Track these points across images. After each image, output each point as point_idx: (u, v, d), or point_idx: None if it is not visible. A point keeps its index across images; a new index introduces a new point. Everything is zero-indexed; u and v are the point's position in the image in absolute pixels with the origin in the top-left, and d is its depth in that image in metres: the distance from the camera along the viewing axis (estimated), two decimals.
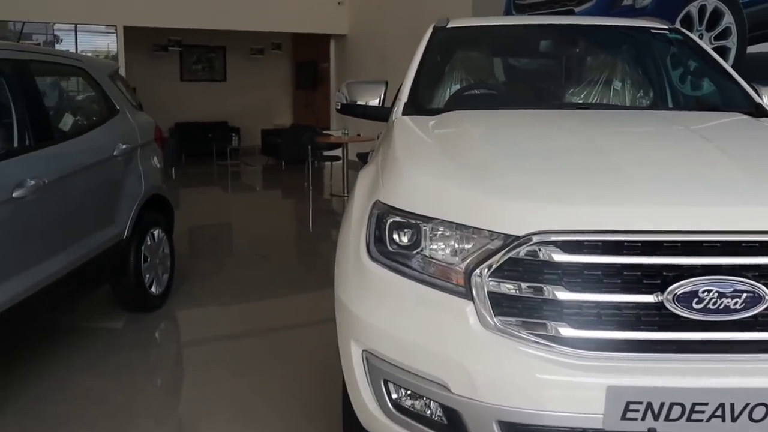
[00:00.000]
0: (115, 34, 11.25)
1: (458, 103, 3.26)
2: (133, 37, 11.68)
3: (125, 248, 4.18)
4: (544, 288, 1.67)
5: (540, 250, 1.67)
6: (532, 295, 1.69)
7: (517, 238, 1.68)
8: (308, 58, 14.89)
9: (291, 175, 11.97)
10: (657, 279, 1.64)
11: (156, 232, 4.58)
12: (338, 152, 10.01)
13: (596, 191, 1.75)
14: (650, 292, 1.64)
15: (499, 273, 1.71)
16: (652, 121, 2.67)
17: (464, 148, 2.15)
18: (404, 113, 2.82)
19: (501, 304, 1.72)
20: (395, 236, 1.91)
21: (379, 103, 3.19)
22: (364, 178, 2.33)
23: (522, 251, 1.68)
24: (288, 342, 4.09)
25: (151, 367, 3.80)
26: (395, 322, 1.85)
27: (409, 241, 1.89)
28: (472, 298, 1.74)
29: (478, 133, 2.38)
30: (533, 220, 1.68)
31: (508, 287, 1.71)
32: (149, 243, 4.45)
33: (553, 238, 1.66)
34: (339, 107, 3.27)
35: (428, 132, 2.52)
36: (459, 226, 1.78)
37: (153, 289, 4.53)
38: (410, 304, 1.84)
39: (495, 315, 1.71)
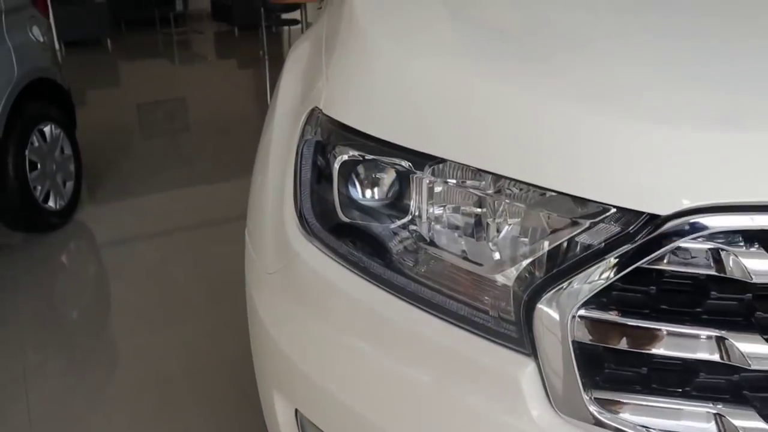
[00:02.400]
0: None
1: None
2: None
3: None
4: (726, 339, 0.69)
5: (720, 250, 0.67)
6: (686, 353, 0.71)
7: (652, 221, 0.68)
8: None
9: (245, 42, 10.61)
10: None
11: (47, 129, 3.47)
12: (297, 15, 8.69)
13: None
14: None
15: (603, 299, 0.72)
16: None
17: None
18: None
19: (601, 366, 0.74)
20: (354, 190, 0.89)
21: None
22: (293, 66, 1.25)
23: (665, 250, 0.68)
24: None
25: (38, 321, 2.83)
26: (357, 384, 0.87)
27: (383, 197, 0.88)
28: (533, 351, 0.75)
29: None
30: (698, 179, 0.67)
31: (622, 335, 0.72)
32: (37, 144, 3.35)
33: (749, 221, 0.65)
34: None
35: None
36: (502, 185, 0.76)
37: (51, 203, 3.48)
38: (386, 347, 0.85)
39: (586, 388, 0.73)
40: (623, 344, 0.72)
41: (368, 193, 0.88)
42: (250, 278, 1.10)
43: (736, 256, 0.67)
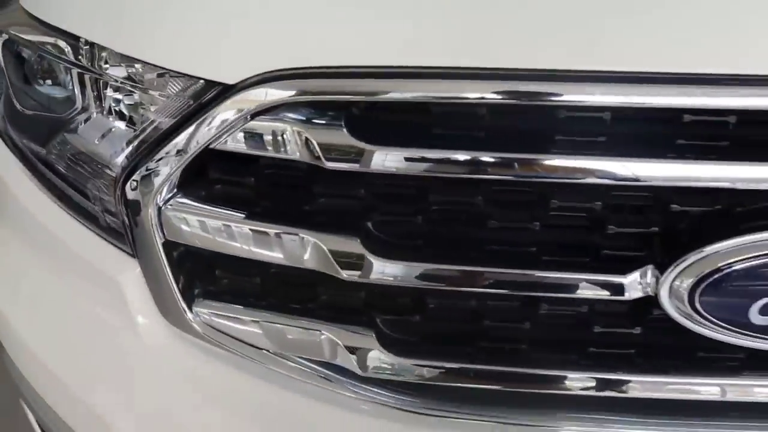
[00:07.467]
0: None
1: None
2: None
3: None
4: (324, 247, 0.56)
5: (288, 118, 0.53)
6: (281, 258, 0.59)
7: (225, 89, 0.55)
8: None
9: None
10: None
11: None
12: None
13: None
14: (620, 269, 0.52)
15: (201, 192, 0.61)
16: None
17: None
18: None
19: (209, 273, 0.63)
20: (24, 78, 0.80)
21: None
22: None
23: (232, 127, 0.55)
24: None
25: None
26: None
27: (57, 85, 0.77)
28: (134, 249, 0.65)
29: None
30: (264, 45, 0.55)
31: (220, 235, 0.60)
32: None
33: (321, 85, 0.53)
34: None
35: None
36: (118, 60, 0.65)
37: None
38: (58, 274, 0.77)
39: (187, 297, 0.62)
40: (221, 247, 0.61)
41: (38, 80, 0.78)
42: None
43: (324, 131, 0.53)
